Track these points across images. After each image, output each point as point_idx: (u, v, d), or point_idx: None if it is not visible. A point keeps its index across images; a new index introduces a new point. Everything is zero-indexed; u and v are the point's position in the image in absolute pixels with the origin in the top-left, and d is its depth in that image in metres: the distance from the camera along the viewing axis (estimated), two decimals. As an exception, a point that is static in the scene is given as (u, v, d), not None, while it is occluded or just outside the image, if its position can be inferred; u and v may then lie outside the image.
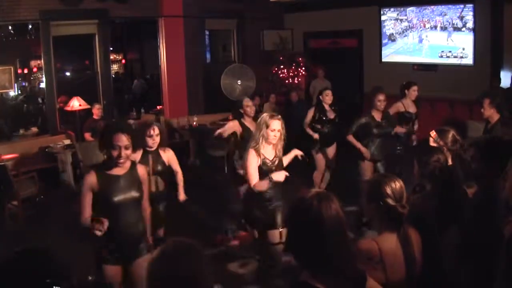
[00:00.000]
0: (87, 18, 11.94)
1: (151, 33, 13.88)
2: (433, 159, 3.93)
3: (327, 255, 2.27)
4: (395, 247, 2.92)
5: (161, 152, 5.90)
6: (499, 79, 11.36)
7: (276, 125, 5.26)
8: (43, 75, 11.72)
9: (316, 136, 8.65)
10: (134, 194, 4.27)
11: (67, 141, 10.46)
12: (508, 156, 3.52)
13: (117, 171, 4.22)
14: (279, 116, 5.38)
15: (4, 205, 8.76)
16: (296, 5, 14.58)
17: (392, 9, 13.48)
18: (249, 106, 7.46)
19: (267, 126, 5.25)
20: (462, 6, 11.99)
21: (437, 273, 3.35)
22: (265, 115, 5.42)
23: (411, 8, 13.06)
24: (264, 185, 5.25)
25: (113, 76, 16.12)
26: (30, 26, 12.72)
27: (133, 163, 4.41)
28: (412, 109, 8.51)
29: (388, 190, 2.96)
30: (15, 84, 13.60)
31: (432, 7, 12.57)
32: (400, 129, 8.21)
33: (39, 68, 14.61)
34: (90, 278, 3.86)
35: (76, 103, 11.13)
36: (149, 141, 5.69)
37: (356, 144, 7.72)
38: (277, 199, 5.43)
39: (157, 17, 12.89)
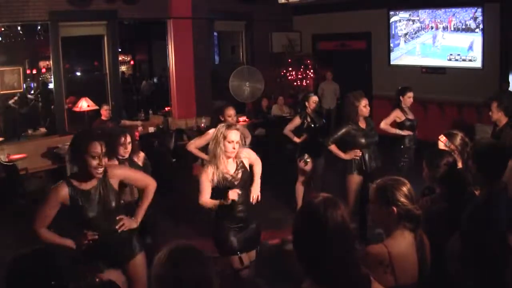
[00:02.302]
0: (96, 19, 11.98)
1: (160, 34, 13.91)
2: (443, 162, 3.92)
3: (330, 261, 2.26)
4: (405, 250, 2.91)
5: (136, 159, 5.75)
6: (508, 82, 11.32)
7: (234, 136, 4.81)
8: (52, 76, 11.78)
9: (296, 139, 7.98)
10: (111, 204, 4.07)
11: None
12: (503, 160, 3.52)
13: (88, 185, 4.00)
14: (237, 127, 5.00)
15: (13, 205, 8.81)
16: (305, 7, 14.57)
17: (402, 12, 13.46)
18: (231, 116, 6.84)
19: (225, 137, 4.79)
20: (471, 9, 11.96)
21: (443, 276, 3.34)
22: (221, 126, 4.95)
23: (422, 9, 13.04)
24: (210, 203, 4.84)
25: (122, 77, 16.18)
26: (39, 27, 12.76)
27: (103, 171, 4.10)
28: (411, 115, 7.75)
29: (404, 193, 2.95)
30: (24, 85, 13.64)
31: (444, 9, 12.55)
32: (405, 132, 7.52)
33: (48, 69, 14.67)
34: (97, 279, 3.83)
35: (84, 104, 11.15)
36: (121, 150, 5.47)
37: (339, 153, 6.93)
38: (250, 220, 5.04)
39: (166, 19, 12.92)
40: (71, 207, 3.91)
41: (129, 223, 4.21)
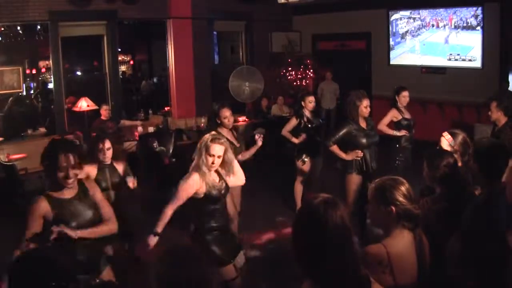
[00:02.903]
0: (95, 19, 11.99)
1: (160, 34, 13.91)
2: (443, 163, 3.91)
3: (330, 262, 2.26)
4: (404, 250, 2.92)
5: (116, 165, 5.71)
6: (508, 82, 11.32)
7: (217, 150, 4.60)
8: (52, 76, 11.78)
9: (295, 140, 7.98)
10: (90, 214, 3.94)
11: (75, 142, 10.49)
12: (503, 160, 3.52)
13: (68, 193, 3.88)
14: (223, 140, 4.72)
15: (12, 205, 8.80)
16: (305, 7, 14.56)
17: (403, 10, 13.47)
18: (227, 117, 6.63)
19: (206, 150, 4.59)
20: (471, 8, 11.96)
21: (442, 276, 3.34)
22: (207, 136, 4.69)
23: (422, 9, 13.05)
24: (163, 221, 4.59)
25: (121, 77, 16.18)
26: (39, 27, 12.77)
27: (81, 182, 4.05)
28: (407, 115, 7.73)
29: (402, 193, 2.95)
30: (23, 85, 13.65)
31: (444, 8, 12.56)
32: (402, 132, 7.51)
33: (48, 69, 14.67)
34: (97, 280, 3.82)
35: (84, 104, 11.14)
36: (100, 156, 5.51)
37: (341, 153, 6.83)
38: (228, 229, 4.97)
39: (165, 18, 12.91)
40: (54, 219, 3.78)
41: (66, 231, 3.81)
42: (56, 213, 3.79)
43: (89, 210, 3.95)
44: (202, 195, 4.63)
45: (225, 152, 4.67)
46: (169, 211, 4.61)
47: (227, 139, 5.85)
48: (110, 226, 4.09)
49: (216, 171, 4.78)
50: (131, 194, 5.87)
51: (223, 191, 4.76)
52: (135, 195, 5.95)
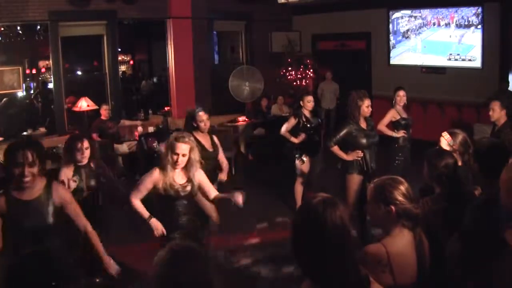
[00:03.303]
0: (95, 19, 12.00)
1: (160, 34, 13.90)
2: (442, 164, 3.90)
3: (329, 262, 2.25)
4: (403, 249, 2.91)
5: (92, 165, 5.55)
6: (508, 82, 11.32)
7: (182, 149, 4.65)
8: (51, 76, 11.78)
9: (294, 139, 7.93)
10: (49, 219, 3.75)
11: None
12: (503, 160, 3.52)
13: (29, 193, 3.73)
14: (188, 139, 4.74)
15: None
16: (305, 7, 14.57)
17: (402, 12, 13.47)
18: (203, 121, 6.48)
19: (171, 148, 4.67)
20: (471, 8, 11.95)
21: (442, 276, 3.34)
22: (173, 135, 4.79)
23: (422, 9, 13.04)
24: (140, 209, 4.83)
25: (121, 77, 16.18)
26: (38, 27, 12.75)
27: (49, 183, 3.88)
28: (405, 114, 7.89)
29: (402, 192, 2.94)
30: (23, 85, 13.64)
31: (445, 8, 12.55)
32: (400, 133, 7.66)
33: (48, 69, 14.67)
34: (97, 280, 3.83)
35: (84, 104, 11.15)
36: (78, 155, 5.34)
37: (341, 154, 6.80)
38: (191, 214, 4.94)
39: (165, 18, 12.91)
40: (7, 217, 3.68)
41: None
42: (10, 213, 3.69)
43: (49, 214, 3.79)
44: (159, 191, 4.72)
45: (191, 151, 4.71)
46: (135, 202, 4.82)
47: (199, 143, 5.92)
48: (93, 235, 4.12)
49: (186, 173, 4.81)
50: (112, 194, 5.84)
51: (182, 194, 4.75)
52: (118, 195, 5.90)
